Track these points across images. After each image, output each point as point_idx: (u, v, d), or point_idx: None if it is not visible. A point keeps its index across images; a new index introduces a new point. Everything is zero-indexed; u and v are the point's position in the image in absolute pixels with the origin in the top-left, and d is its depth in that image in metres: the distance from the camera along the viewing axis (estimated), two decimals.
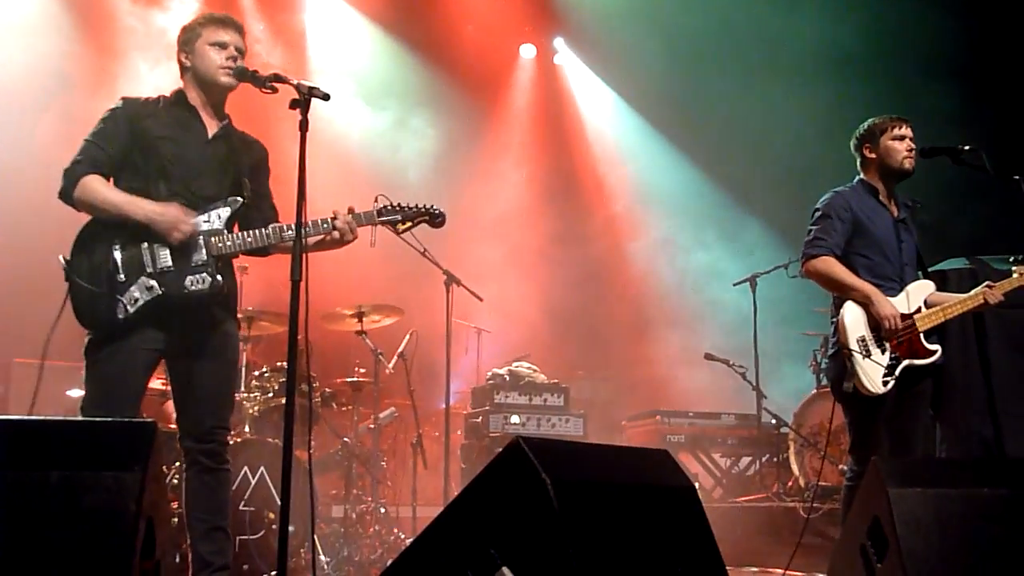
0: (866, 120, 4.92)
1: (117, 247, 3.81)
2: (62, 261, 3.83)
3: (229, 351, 4.13)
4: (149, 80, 7.90)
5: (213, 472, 4.02)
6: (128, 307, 3.77)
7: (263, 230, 3.98)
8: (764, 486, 7.95)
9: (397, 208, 4.17)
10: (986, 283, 4.82)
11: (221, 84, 4.02)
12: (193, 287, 3.86)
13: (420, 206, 4.22)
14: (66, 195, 3.86)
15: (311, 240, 3.95)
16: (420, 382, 7.20)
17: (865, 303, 4.61)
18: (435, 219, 4.26)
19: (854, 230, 4.77)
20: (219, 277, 3.91)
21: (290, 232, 3.81)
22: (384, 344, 7.18)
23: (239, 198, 4.02)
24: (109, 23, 8.44)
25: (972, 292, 4.82)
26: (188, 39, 4.07)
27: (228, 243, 3.93)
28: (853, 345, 4.56)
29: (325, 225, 3.97)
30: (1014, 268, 4.90)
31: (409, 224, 4.22)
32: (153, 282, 3.81)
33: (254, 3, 9.49)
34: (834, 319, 4.76)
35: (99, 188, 3.85)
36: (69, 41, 8.18)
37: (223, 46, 4.01)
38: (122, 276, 3.79)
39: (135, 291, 3.79)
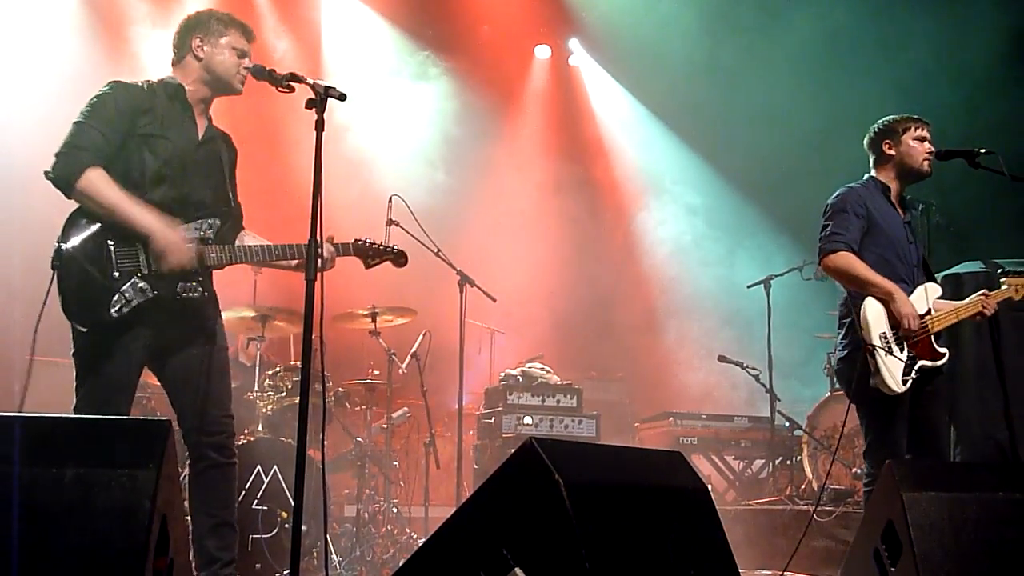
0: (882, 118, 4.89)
1: (111, 242, 3.76)
2: (57, 245, 3.72)
3: (220, 338, 4.10)
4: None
5: (221, 467, 3.99)
6: (122, 306, 3.73)
7: (268, 246, 4.01)
8: (777, 489, 7.93)
9: (368, 246, 4.30)
10: (981, 292, 4.78)
11: (233, 89, 4.08)
12: (185, 294, 3.88)
13: (387, 247, 4.37)
14: (65, 183, 3.70)
15: (293, 262, 4.04)
16: (433, 382, 7.20)
17: (886, 300, 4.55)
18: (398, 259, 4.43)
19: (868, 227, 4.71)
20: (210, 289, 3.98)
21: (296, 249, 3.98)
22: (397, 344, 7.19)
23: (227, 207, 4.06)
24: (124, 22, 8.45)
25: (968, 300, 4.75)
26: (211, 31, 4.03)
27: (226, 256, 3.94)
28: (876, 341, 4.48)
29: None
30: (1003, 280, 4.86)
31: (377, 261, 4.35)
32: (146, 284, 3.78)
33: (269, 1, 9.51)
34: (844, 319, 4.73)
35: (104, 186, 3.72)
36: (84, 39, 8.20)
37: (243, 55, 4.05)
38: (116, 272, 3.75)
39: (128, 291, 3.75)
